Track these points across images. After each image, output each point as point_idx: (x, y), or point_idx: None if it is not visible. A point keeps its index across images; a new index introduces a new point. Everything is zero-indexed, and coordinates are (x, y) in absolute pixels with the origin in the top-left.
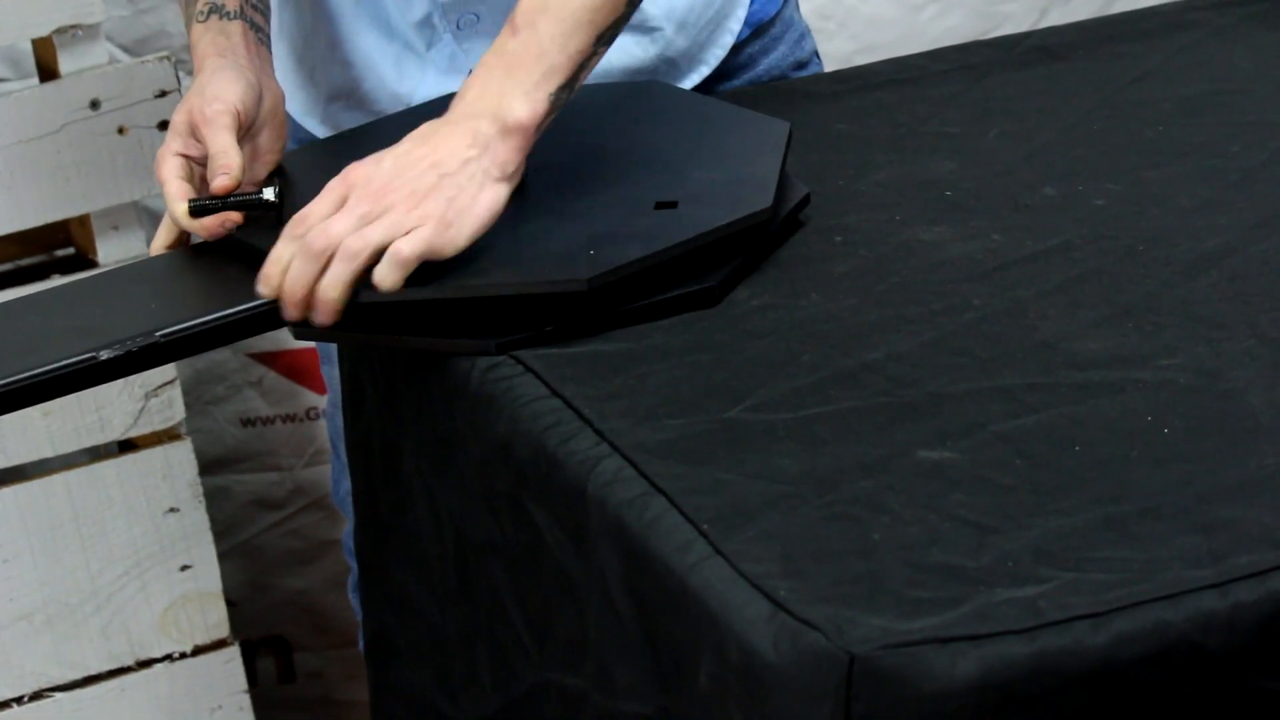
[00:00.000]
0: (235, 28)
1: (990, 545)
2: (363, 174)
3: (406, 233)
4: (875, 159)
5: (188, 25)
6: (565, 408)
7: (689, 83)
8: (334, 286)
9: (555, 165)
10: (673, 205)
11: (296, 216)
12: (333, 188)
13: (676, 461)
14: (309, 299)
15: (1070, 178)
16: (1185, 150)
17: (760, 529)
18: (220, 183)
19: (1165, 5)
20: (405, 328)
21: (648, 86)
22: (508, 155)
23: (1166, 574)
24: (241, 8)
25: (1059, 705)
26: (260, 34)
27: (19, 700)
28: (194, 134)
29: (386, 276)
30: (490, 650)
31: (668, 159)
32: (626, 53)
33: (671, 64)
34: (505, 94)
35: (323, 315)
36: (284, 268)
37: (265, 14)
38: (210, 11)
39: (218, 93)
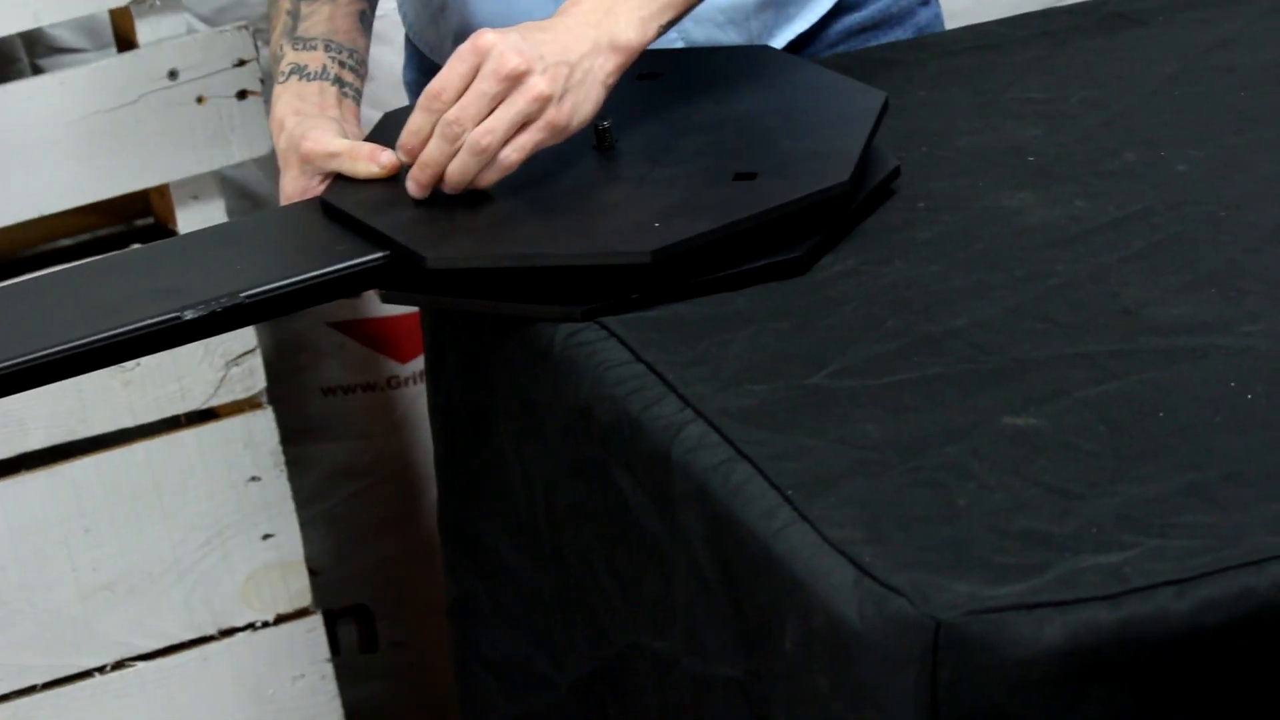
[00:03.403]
0: (313, 89)
1: (1075, 511)
2: (494, 46)
3: (526, 124)
4: (957, 126)
5: (267, 83)
6: (648, 373)
7: (816, 9)
8: (460, 174)
9: (647, 131)
10: (751, 177)
11: (431, 89)
12: (464, 57)
13: (760, 427)
14: (439, 175)
15: (1152, 144)
16: (1268, 116)
17: (844, 495)
18: (388, 159)
19: None
20: (490, 292)
21: (756, 52)
22: (613, 68)
23: (1251, 540)
24: (325, 67)
25: (1144, 671)
26: (346, 89)
27: (101, 669)
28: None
29: (486, 179)
30: (583, 612)
31: (757, 128)
32: None
33: None
34: (620, 14)
35: (450, 191)
36: (422, 140)
37: (357, 70)
38: (291, 73)
39: (305, 130)
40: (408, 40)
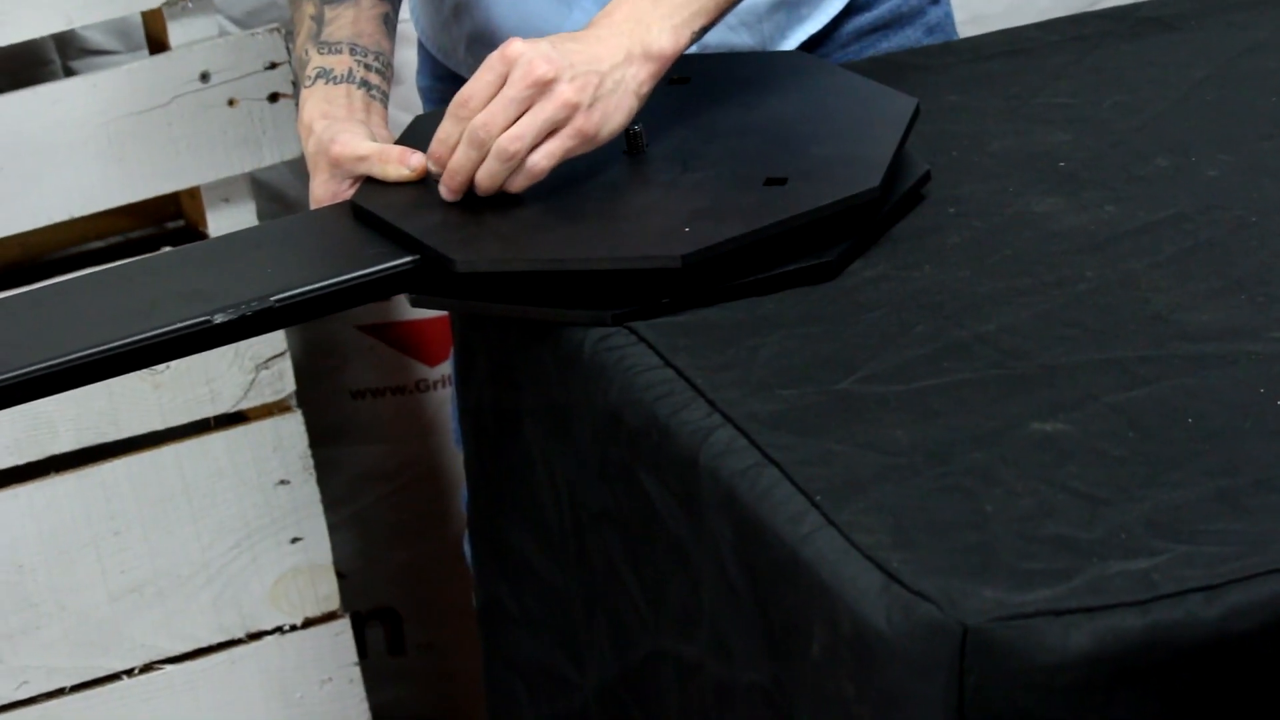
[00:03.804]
0: (340, 92)
1: (1103, 517)
2: (523, 54)
3: (554, 131)
4: (988, 130)
5: (298, 87)
6: (677, 378)
7: (829, 9)
8: (489, 180)
9: (678, 136)
10: (782, 182)
11: (459, 97)
12: (493, 65)
13: (788, 432)
14: (468, 182)
15: (1183, 149)
16: None
17: (872, 500)
18: (417, 161)
19: None
20: (520, 296)
21: (787, 58)
22: (646, 76)
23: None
24: (351, 70)
25: (1172, 678)
26: (373, 92)
27: (129, 672)
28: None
29: (516, 184)
30: (608, 617)
31: (789, 133)
32: None
33: None
34: (653, 22)
35: (481, 194)
36: (451, 148)
37: (383, 72)
38: (318, 76)
39: (334, 134)
40: (420, 46)
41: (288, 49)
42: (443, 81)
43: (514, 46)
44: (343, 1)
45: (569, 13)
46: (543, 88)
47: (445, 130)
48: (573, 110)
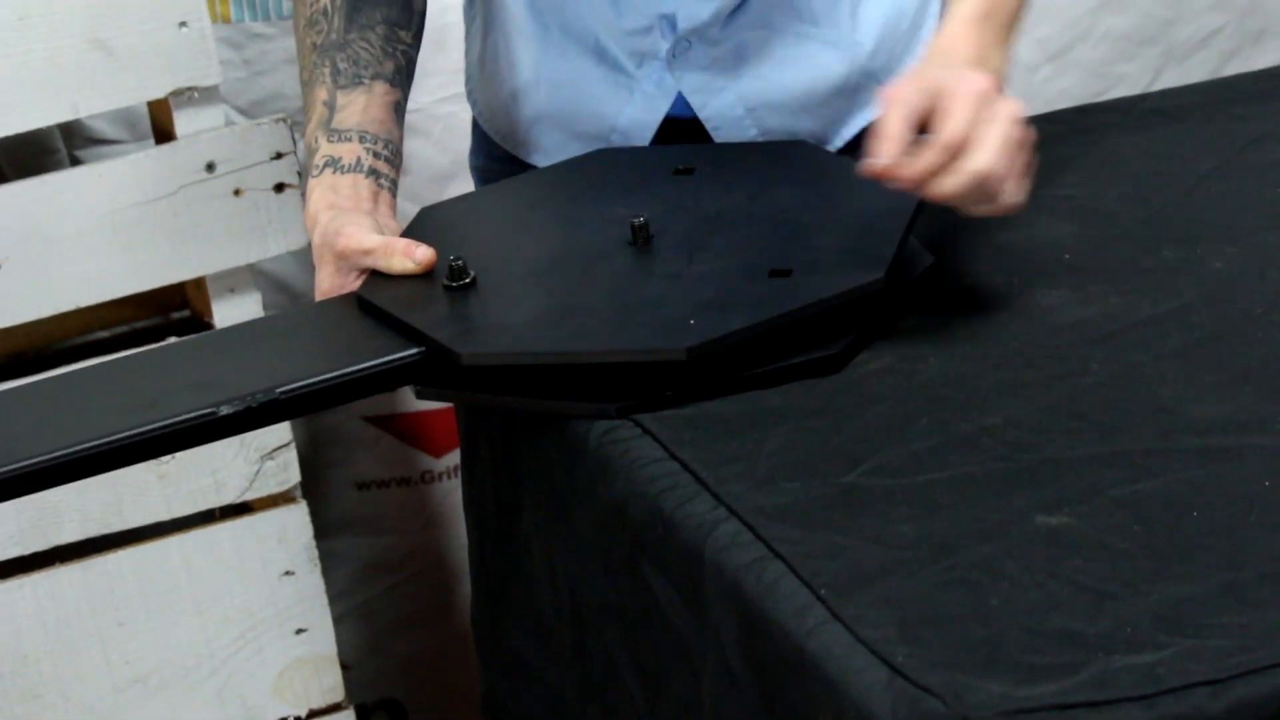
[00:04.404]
0: (347, 181)
1: (1108, 611)
2: (1009, 108)
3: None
4: (993, 221)
5: (304, 176)
6: (683, 470)
7: None
8: (965, 208)
9: (683, 226)
10: (787, 274)
11: (951, 137)
12: (972, 101)
13: (794, 525)
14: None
15: (1188, 240)
16: None
17: (878, 594)
18: (423, 255)
19: None
20: (525, 389)
21: (792, 147)
22: None
23: None
24: (359, 159)
25: None
26: (381, 180)
27: None
28: (336, 263)
29: (980, 212)
30: (603, 713)
31: (794, 224)
32: (829, 69)
33: (871, 77)
34: (993, 47)
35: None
36: (931, 172)
37: (392, 160)
38: (325, 165)
39: (339, 227)
40: (475, 126)
41: (294, 139)
42: (499, 163)
43: (981, 83)
44: (356, 87)
45: (629, 96)
46: (1024, 145)
47: (931, 161)
48: (1030, 167)
